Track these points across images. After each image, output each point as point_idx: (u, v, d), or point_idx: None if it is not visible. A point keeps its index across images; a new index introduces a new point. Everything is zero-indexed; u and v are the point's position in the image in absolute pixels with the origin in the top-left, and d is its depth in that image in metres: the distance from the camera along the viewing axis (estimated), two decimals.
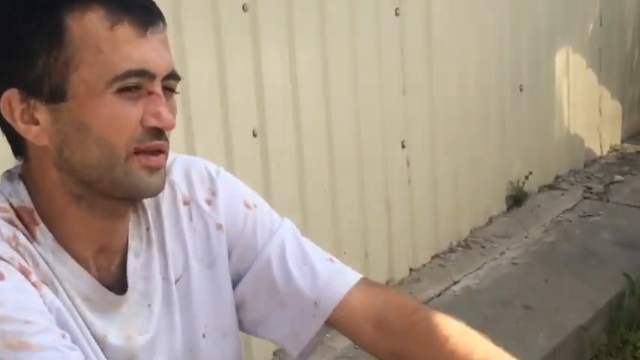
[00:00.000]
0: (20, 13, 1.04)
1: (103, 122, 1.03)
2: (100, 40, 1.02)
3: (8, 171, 1.14)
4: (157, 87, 1.05)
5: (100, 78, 1.02)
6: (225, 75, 2.42)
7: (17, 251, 1.05)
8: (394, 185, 3.20)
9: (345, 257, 2.91)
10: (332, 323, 1.24)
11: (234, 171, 2.39)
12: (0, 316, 0.99)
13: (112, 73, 1.02)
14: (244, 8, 2.46)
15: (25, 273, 1.04)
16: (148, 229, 1.19)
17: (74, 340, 1.06)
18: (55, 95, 1.03)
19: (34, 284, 1.04)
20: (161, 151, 1.08)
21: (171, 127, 1.07)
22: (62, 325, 1.06)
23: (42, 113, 1.05)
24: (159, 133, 1.06)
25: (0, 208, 1.08)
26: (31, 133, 1.06)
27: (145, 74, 1.03)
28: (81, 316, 1.10)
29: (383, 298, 1.23)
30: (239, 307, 1.27)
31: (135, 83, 1.03)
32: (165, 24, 1.09)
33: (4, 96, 1.05)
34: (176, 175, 1.22)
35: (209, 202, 1.23)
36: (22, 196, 1.10)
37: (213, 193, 1.23)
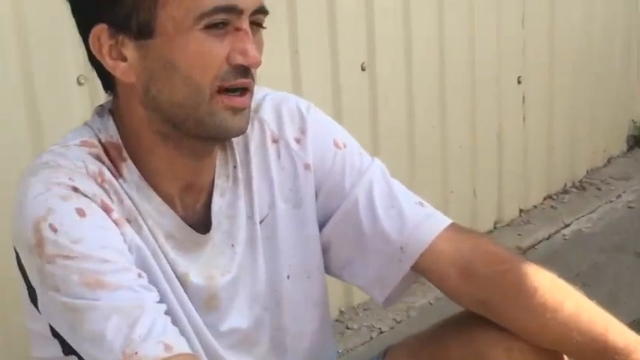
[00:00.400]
0: None
1: (189, 59, 1.02)
2: None
3: (100, 105, 1.15)
4: (245, 23, 1.03)
5: (188, 14, 1.00)
6: (334, 6, 2.35)
7: (102, 187, 1.06)
8: (507, 122, 3.08)
9: (452, 196, 2.88)
10: (418, 269, 1.21)
11: (341, 106, 2.42)
12: (79, 253, 0.99)
13: (199, 10, 1.00)
14: None
15: (106, 210, 1.05)
16: (234, 167, 1.18)
17: (153, 279, 1.07)
18: (143, 31, 1.02)
19: (115, 222, 1.05)
20: (246, 90, 1.06)
21: (257, 64, 1.04)
22: (141, 263, 1.07)
23: (130, 50, 1.04)
24: (244, 70, 1.04)
25: (88, 143, 1.09)
26: (118, 70, 1.06)
27: (232, 10, 1.01)
28: (163, 254, 1.10)
29: (471, 245, 1.19)
30: (325, 249, 1.25)
31: (222, 19, 1.01)
32: None
33: (94, 31, 1.05)
34: (266, 112, 1.21)
35: (298, 141, 1.21)
36: (110, 131, 1.10)
37: (303, 131, 1.21)
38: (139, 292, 1.01)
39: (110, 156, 1.09)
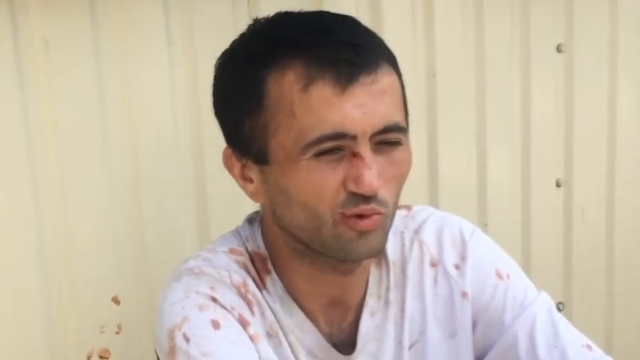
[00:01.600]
0: (229, 73, 1.01)
1: (301, 188, 0.97)
2: (293, 104, 0.94)
3: (254, 212, 1.15)
4: (361, 147, 0.95)
5: (295, 144, 0.95)
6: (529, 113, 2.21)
7: (245, 299, 1.04)
8: None
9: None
10: None
11: (530, 220, 2.26)
12: None
13: (304, 140, 0.95)
14: (559, 49, 2.23)
15: (243, 324, 1.03)
16: (387, 288, 1.13)
17: None
18: (260, 158, 1.00)
19: (251, 337, 1.03)
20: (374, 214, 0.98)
21: (372, 192, 0.96)
22: None
23: (254, 172, 1.03)
24: (366, 197, 0.96)
25: (236, 251, 1.08)
26: (248, 190, 1.05)
27: (342, 137, 0.94)
28: None
29: None
30: None
31: (333, 146, 0.94)
32: (392, 65, 0.98)
33: (224, 152, 1.05)
34: (427, 234, 1.16)
35: (457, 267, 1.15)
36: (258, 241, 1.09)
37: (463, 258, 1.15)
38: None
39: (256, 266, 1.07)
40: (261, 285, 1.07)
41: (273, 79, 0.96)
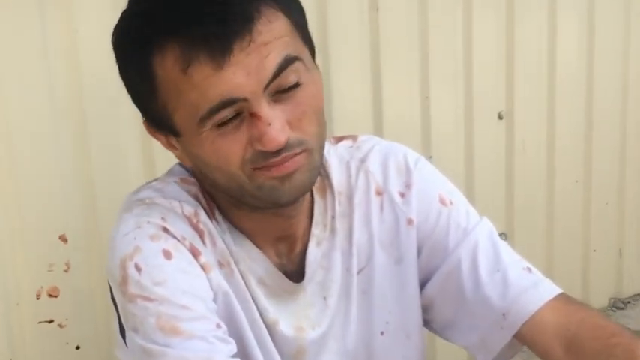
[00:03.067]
0: (124, 58, 1.01)
1: (210, 156, 0.98)
2: (178, 83, 0.94)
3: None
4: (256, 106, 0.95)
5: (191, 119, 0.96)
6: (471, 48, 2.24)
7: (196, 229, 1.05)
8: None
9: (594, 255, 2.68)
10: (521, 339, 1.14)
11: (473, 157, 2.30)
12: (159, 296, 0.98)
13: (197, 115, 0.95)
14: None
15: (195, 254, 1.03)
16: (333, 217, 1.14)
17: (238, 325, 1.06)
18: (173, 131, 1.00)
19: (202, 265, 1.04)
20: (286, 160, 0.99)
21: (277, 147, 0.95)
22: (227, 309, 1.05)
23: (174, 142, 1.03)
24: (274, 152, 0.97)
25: (187, 180, 1.09)
26: (175, 155, 1.06)
27: (232, 103, 0.94)
28: (253, 300, 1.09)
29: (579, 317, 1.11)
30: (427, 308, 1.21)
31: (228, 114, 0.95)
32: (275, 2, 0.96)
33: (144, 124, 1.06)
34: (372, 164, 1.17)
35: (402, 195, 1.17)
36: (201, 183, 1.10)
37: (408, 186, 1.17)
38: (212, 344, 0.99)
39: (205, 197, 1.08)
40: (211, 215, 1.07)
41: (157, 62, 0.95)
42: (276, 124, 0.95)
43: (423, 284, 1.20)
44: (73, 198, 1.61)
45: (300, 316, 1.12)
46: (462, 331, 1.19)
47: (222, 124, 0.95)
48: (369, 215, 1.16)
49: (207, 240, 1.05)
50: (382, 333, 1.18)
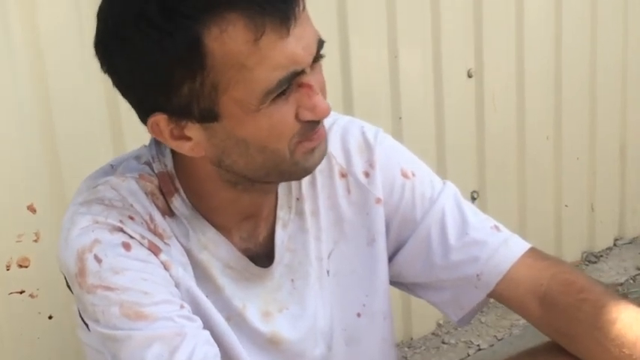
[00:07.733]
0: (145, 39, 0.92)
1: (262, 134, 0.97)
2: (243, 57, 0.91)
3: None
4: (307, 77, 0.96)
5: (252, 95, 0.94)
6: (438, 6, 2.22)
7: (155, 233, 1.04)
8: (632, 133, 2.84)
9: (566, 210, 2.70)
10: (495, 296, 1.16)
11: (444, 115, 2.31)
12: (119, 285, 0.99)
13: (263, 89, 0.93)
14: None
15: (154, 251, 1.03)
16: (298, 199, 1.14)
17: (207, 318, 1.05)
18: (207, 116, 0.96)
19: (163, 263, 1.03)
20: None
21: (328, 114, 0.98)
22: (193, 303, 1.04)
23: (194, 130, 0.99)
24: (316, 121, 0.99)
25: (145, 177, 1.06)
26: (184, 148, 1.01)
27: (295, 75, 0.94)
28: (221, 288, 1.08)
29: (551, 273, 1.13)
30: (397, 275, 1.21)
31: (286, 86, 0.94)
32: None
33: (151, 120, 0.99)
34: (333, 145, 1.16)
35: (367, 175, 1.17)
36: (166, 160, 1.07)
37: (371, 164, 1.16)
38: (177, 323, 0.99)
39: (163, 191, 1.06)
40: (168, 212, 1.06)
41: (213, 37, 0.91)
42: (320, 92, 0.98)
43: (391, 257, 1.20)
44: (40, 167, 1.60)
45: (268, 300, 1.12)
46: (434, 291, 1.20)
47: (276, 97, 0.95)
48: (334, 197, 1.16)
49: (167, 241, 1.04)
50: (359, 315, 1.18)
